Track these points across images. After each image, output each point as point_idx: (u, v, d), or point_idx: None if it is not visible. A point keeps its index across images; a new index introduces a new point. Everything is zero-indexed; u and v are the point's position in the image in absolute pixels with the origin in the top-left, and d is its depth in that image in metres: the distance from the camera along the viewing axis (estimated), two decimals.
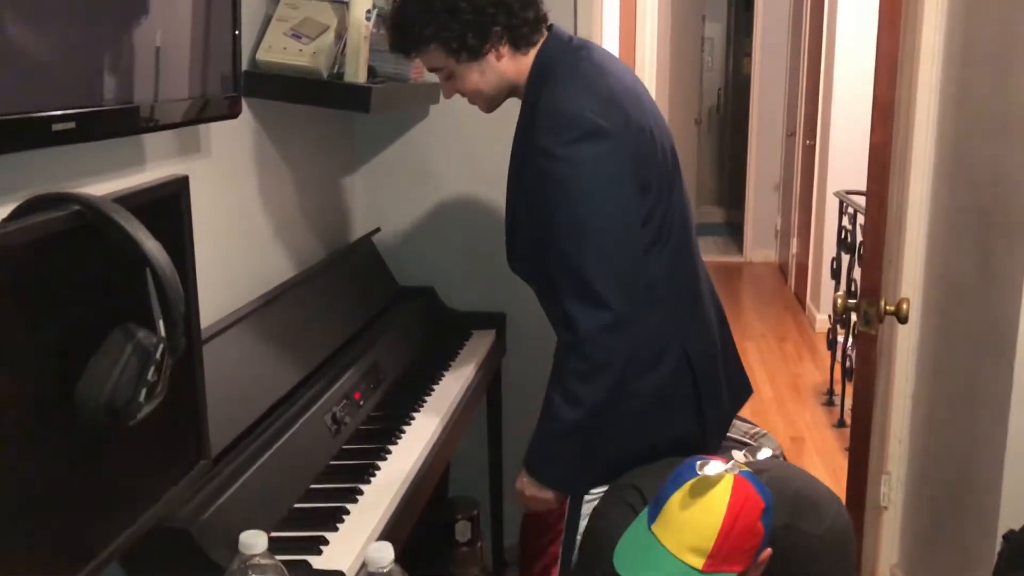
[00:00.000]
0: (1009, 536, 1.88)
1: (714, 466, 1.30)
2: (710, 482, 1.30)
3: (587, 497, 1.74)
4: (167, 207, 1.21)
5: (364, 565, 1.03)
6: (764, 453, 1.49)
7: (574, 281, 1.60)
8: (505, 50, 1.68)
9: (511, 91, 1.75)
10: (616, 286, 1.58)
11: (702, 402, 1.74)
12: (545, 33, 1.72)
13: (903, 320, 1.97)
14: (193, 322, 1.26)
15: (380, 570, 1.02)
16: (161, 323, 1.03)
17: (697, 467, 1.31)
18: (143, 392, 1.02)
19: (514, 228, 1.84)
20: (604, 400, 1.63)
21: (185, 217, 1.23)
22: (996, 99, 2.02)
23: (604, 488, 1.73)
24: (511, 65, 1.70)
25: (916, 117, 2.35)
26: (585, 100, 1.59)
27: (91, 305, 1.06)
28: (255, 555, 1.04)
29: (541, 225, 1.65)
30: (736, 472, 1.32)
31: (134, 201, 1.11)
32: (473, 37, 1.63)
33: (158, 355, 1.03)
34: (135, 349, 1.02)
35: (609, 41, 3.27)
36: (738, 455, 1.39)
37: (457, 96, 2.63)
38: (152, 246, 1.02)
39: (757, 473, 1.38)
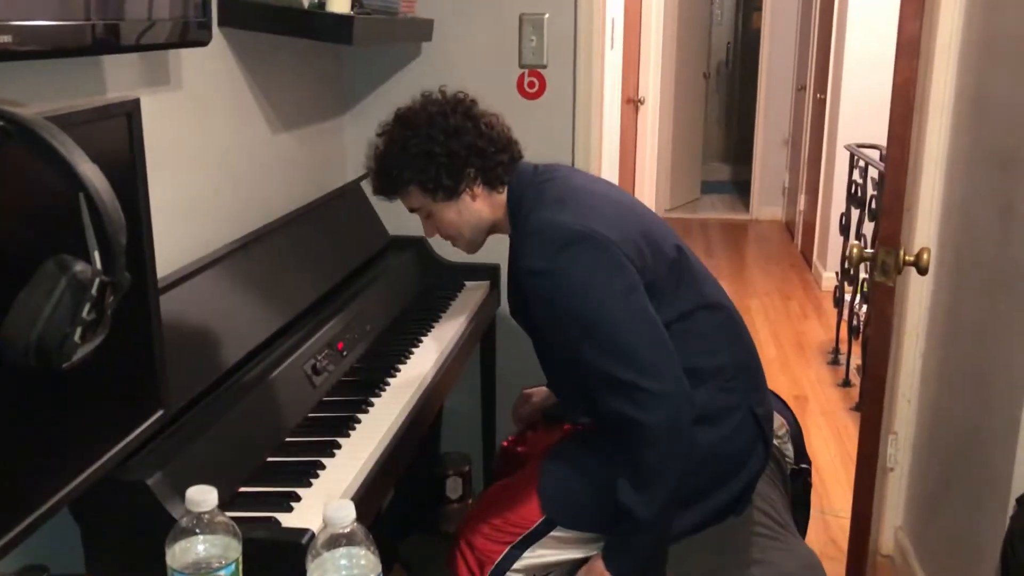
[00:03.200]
0: (1023, 500, 1.79)
1: None
2: None
3: (527, 553, 1.70)
4: (116, 130, 1.10)
5: (325, 524, 0.94)
6: None
7: (609, 384, 1.55)
8: (479, 190, 1.76)
9: (491, 228, 1.82)
10: (650, 373, 1.53)
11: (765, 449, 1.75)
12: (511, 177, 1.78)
13: (923, 271, 1.86)
14: (146, 257, 1.15)
15: (341, 530, 0.93)
16: (97, 255, 0.92)
17: None
18: (78, 331, 0.92)
19: (545, 354, 1.85)
20: (675, 488, 1.58)
21: (136, 142, 1.12)
22: (1021, 35, 1.89)
23: (544, 551, 1.70)
24: (486, 204, 1.77)
25: (936, 57, 2.21)
26: (558, 214, 1.61)
27: (22, 233, 0.95)
28: (204, 512, 0.95)
29: (561, 343, 1.64)
30: None
31: (73, 120, 1.00)
32: (447, 178, 1.72)
33: (95, 290, 0.92)
34: (69, 283, 0.92)
35: None
36: None
37: (452, 36, 2.55)
38: (87, 169, 0.91)
39: None
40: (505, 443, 2.09)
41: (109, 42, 1.30)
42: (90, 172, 0.91)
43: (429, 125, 1.71)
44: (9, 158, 0.92)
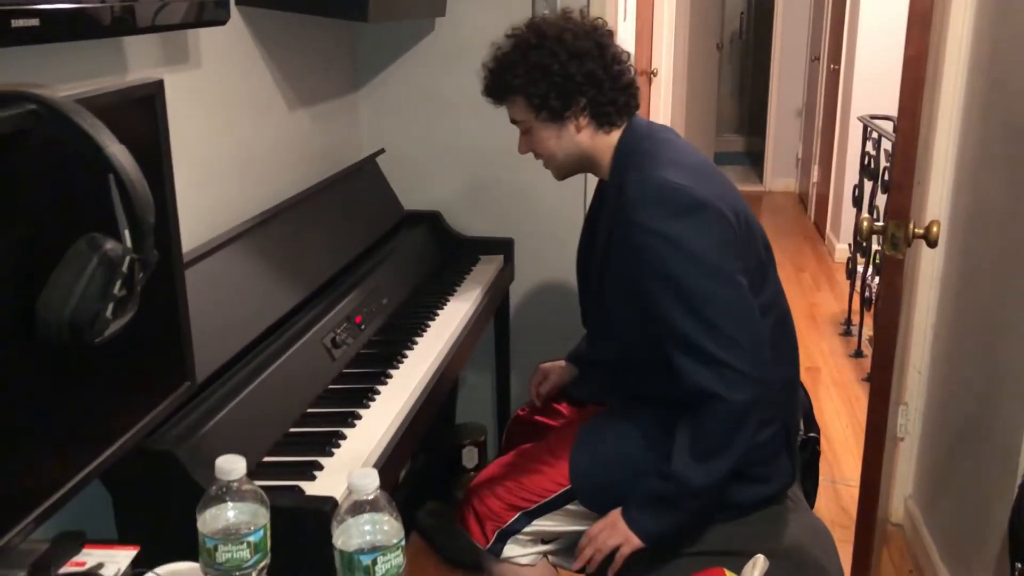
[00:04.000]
0: None
1: None
2: None
3: (538, 520, 1.73)
4: (140, 111, 1.13)
5: (349, 491, 0.97)
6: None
7: (700, 356, 1.54)
8: (585, 122, 1.70)
9: (584, 165, 1.77)
10: (744, 356, 1.53)
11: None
12: (629, 119, 1.73)
13: (932, 243, 1.87)
14: (172, 234, 1.19)
15: (365, 497, 0.96)
16: (127, 233, 0.96)
17: None
18: (110, 307, 0.95)
19: (599, 311, 1.80)
20: (732, 467, 1.59)
21: (160, 122, 1.15)
22: None
23: (555, 522, 1.72)
24: (589, 139, 1.72)
25: (950, 30, 2.21)
26: (678, 177, 1.57)
27: (53, 214, 0.99)
28: (233, 481, 0.98)
29: (642, 303, 1.60)
30: None
31: (101, 103, 1.02)
32: (556, 99, 1.67)
33: (125, 267, 0.96)
34: (101, 261, 0.95)
35: None
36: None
37: (466, 11, 2.56)
38: (116, 150, 0.94)
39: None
40: (521, 412, 2.12)
41: (128, 23, 1.33)
42: (118, 153, 0.95)
43: (556, 41, 1.65)
44: (40, 140, 0.95)
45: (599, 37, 1.69)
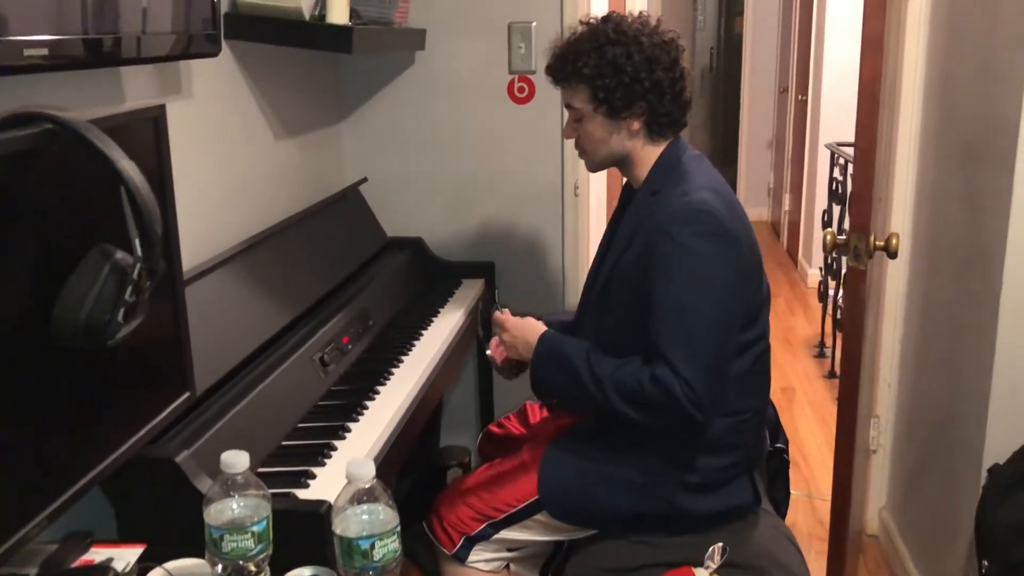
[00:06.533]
0: (993, 470, 1.89)
1: None
2: None
3: (505, 530, 1.79)
4: (144, 133, 1.20)
5: (348, 481, 1.03)
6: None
7: (667, 363, 1.59)
8: (638, 127, 1.74)
9: (620, 165, 1.82)
10: (699, 371, 1.58)
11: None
12: (675, 136, 1.80)
13: (892, 255, 1.96)
14: (174, 249, 1.25)
15: (362, 486, 1.03)
16: (138, 243, 1.02)
17: None
18: (121, 312, 1.02)
19: (597, 310, 1.84)
20: (629, 419, 1.65)
21: (163, 143, 1.22)
22: (982, 34, 2.00)
23: (521, 531, 1.78)
24: (634, 144, 1.76)
25: (905, 52, 2.33)
26: (714, 201, 1.64)
27: (67, 226, 1.05)
28: (237, 474, 1.04)
29: (640, 305, 1.66)
30: None
31: (110, 123, 1.09)
32: (620, 98, 1.70)
33: (135, 275, 1.02)
34: (112, 268, 1.02)
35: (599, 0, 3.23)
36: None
37: (444, 44, 2.65)
38: (127, 165, 1.01)
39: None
40: (493, 427, 2.16)
41: (130, 54, 1.40)
42: (129, 168, 1.02)
43: (634, 42, 1.69)
44: (55, 158, 1.02)
45: (672, 50, 1.74)
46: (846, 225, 3.93)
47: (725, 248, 1.62)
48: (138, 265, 1.03)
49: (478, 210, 2.77)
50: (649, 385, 1.59)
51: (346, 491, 1.04)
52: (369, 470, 1.02)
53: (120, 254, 1.04)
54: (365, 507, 1.04)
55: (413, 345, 2.15)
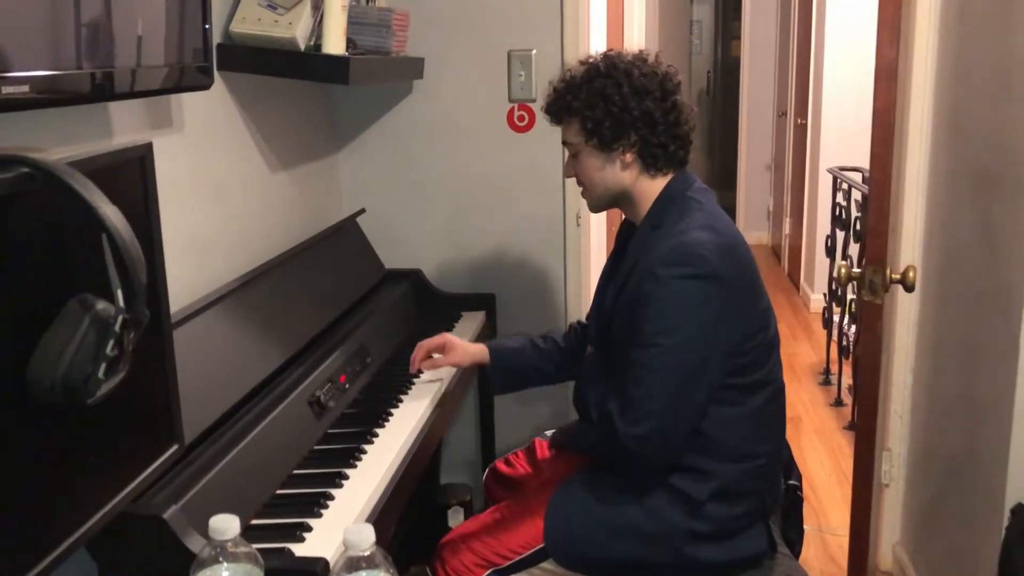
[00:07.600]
0: (1017, 510, 1.83)
1: None
2: None
3: None
4: (130, 173, 1.14)
5: (345, 548, 0.96)
6: None
7: (625, 397, 1.61)
8: (631, 159, 1.72)
9: (620, 203, 1.80)
10: (653, 408, 1.59)
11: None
12: (677, 172, 1.77)
13: (909, 288, 1.91)
14: (160, 294, 1.19)
15: (360, 553, 0.96)
16: (120, 293, 0.96)
17: None
18: (102, 367, 0.95)
19: (604, 326, 1.83)
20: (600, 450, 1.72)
21: (149, 184, 1.16)
22: (996, 60, 1.95)
23: None
24: (631, 177, 1.74)
25: (913, 81, 2.28)
26: (709, 241, 1.62)
27: (45, 275, 0.99)
28: (227, 540, 0.97)
29: (628, 334, 1.66)
30: None
31: (92, 165, 1.03)
32: (609, 128, 1.70)
33: (117, 327, 0.96)
34: (93, 321, 0.95)
35: (597, 25, 3.19)
36: None
37: (442, 73, 2.61)
38: (109, 211, 0.95)
39: None
40: (503, 465, 2.11)
41: (117, 88, 1.34)
42: (111, 214, 0.95)
43: (624, 74, 1.69)
44: (33, 203, 0.96)
45: (666, 82, 1.72)
46: (851, 251, 3.89)
47: (710, 289, 1.59)
48: (120, 316, 0.96)
49: (478, 240, 2.71)
50: (595, 410, 1.65)
51: (343, 558, 0.97)
52: (368, 536, 0.96)
53: (101, 304, 0.97)
54: (364, 574, 0.97)
55: (413, 383, 2.08)
